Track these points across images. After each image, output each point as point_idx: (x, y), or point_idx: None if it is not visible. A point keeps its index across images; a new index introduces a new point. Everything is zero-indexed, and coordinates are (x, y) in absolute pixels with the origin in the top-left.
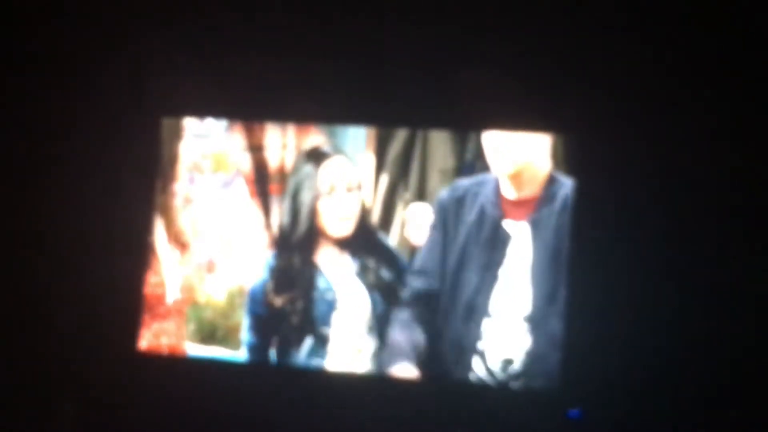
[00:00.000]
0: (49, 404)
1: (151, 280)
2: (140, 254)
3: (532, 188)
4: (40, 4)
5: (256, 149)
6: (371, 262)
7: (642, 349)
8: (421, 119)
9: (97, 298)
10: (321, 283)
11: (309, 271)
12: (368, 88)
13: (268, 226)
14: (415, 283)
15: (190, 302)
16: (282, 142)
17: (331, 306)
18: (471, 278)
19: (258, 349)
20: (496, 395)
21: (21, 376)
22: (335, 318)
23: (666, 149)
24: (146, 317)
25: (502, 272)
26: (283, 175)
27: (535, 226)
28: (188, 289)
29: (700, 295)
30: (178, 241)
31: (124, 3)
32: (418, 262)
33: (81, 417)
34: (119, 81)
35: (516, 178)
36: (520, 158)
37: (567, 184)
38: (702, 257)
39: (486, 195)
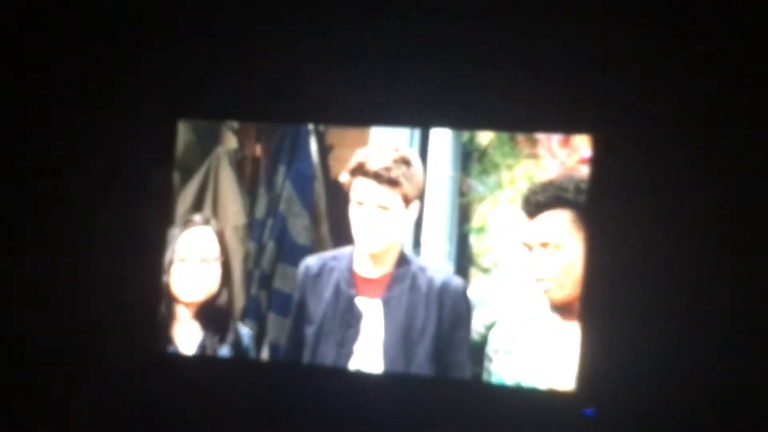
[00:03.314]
0: (66, 404)
1: None
2: (161, 254)
3: (386, 266)
4: (59, 7)
5: None
6: None
7: (656, 351)
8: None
9: (117, 297)
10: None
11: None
12: (384, 89)
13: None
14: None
15: None
16: None
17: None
18: (328, 353)
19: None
20: (512, 394)
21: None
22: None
23: (689, 150)
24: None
25: (357, 347)
26: None
27: (387, 305)
28: None
29: (718, 298)
30: None
31: (141, 5)
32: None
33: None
34: (136, 83)
35: (376, 257)
36: (390, 237)
37: (416, 263)
38: (720, 259)
39: (341, 271)
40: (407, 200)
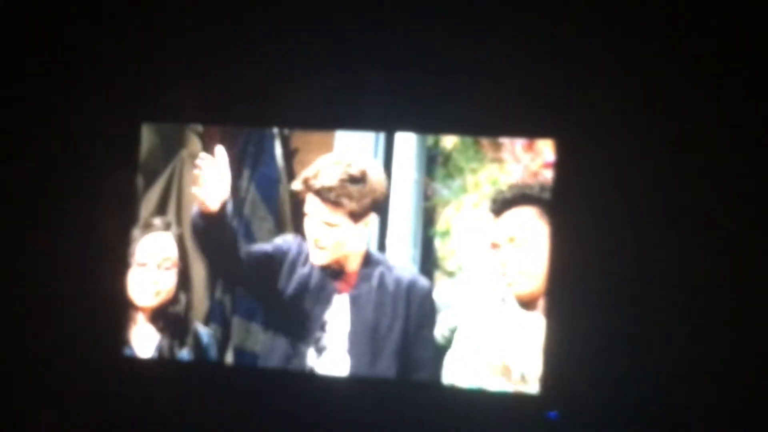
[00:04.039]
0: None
1: None
2: (122, 258)
3: (351, 267)
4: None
5: None
6: None
7: (623, 353)
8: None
9: (79, 302)
10: None
11: None
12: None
13: None
14: None
15: None
16: None
17: None
18: (296, 331)
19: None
20: (476, 397)
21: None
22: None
23: (652, 153)
24: None
25: (325, 339)
26: None
27: (355, 302)
28: None
29: (683, 299)
30: None
31: (104, 7)
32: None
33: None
34: (100, 86)
35: (335, 261)
36: (338, 251)
37: (383, 262)
38: (685, 263)
39: None
40: (355, 216)
